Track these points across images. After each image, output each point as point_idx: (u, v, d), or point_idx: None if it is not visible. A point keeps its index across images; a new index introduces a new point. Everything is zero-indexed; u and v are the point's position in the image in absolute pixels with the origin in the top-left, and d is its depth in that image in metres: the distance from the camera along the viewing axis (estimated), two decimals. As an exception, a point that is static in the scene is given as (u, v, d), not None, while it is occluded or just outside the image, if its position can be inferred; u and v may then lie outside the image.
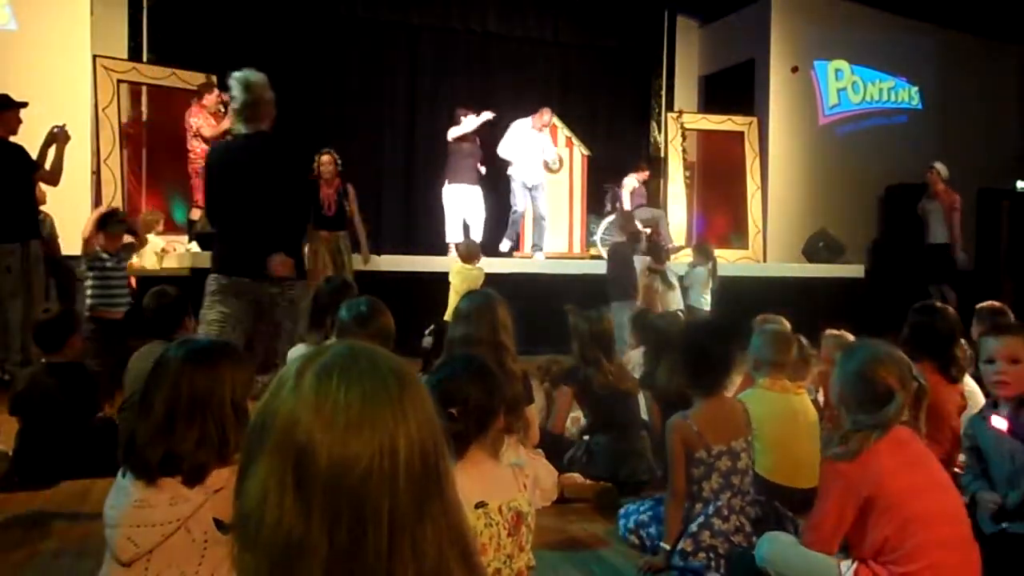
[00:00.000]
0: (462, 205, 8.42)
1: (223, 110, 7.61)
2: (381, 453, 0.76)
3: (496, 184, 8.95)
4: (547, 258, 8.71)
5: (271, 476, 0.75)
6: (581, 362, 3.60)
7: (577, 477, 3.34)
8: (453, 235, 8.40)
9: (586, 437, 3.65)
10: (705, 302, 7.21)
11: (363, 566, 0.75)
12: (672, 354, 3.16)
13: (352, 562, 0.74)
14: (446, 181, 8.52)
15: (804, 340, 3.49)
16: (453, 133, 8.37)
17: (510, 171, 8.74)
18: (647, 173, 9.70)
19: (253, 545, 0.75)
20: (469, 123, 8.37)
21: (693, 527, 2.47)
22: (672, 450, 2.53)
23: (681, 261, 8.23)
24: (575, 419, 3.90)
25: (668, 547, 2.49)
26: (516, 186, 8.69)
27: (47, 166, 5.29)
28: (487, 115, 8.39)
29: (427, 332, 5.70)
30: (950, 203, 8.57)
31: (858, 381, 2.13)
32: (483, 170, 8.63)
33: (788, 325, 3.86)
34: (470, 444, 1.89)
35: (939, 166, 8.70)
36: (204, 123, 7.60)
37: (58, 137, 5.26)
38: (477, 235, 8.36)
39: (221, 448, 1.74)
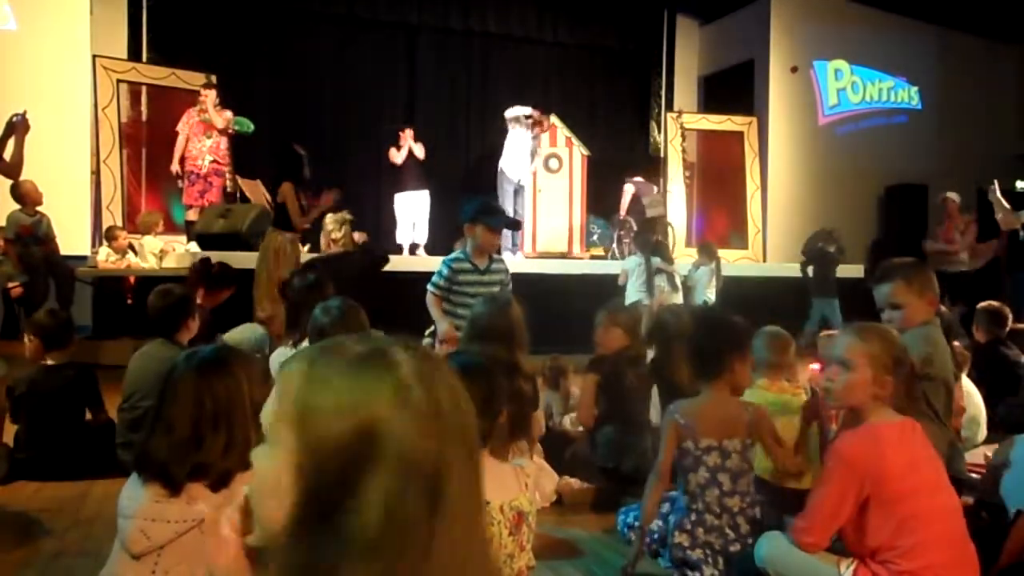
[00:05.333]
0: (410, 211, 8.96)
1: (208, 110, 7.67)
2: (469, 455, 0.79)
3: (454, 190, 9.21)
4: (527, 257, 8.73)
5: (391, 490, 0.74)
6: (615, 355, 3.56)
7: (575, 483, 3.35)
8: (403, 238, 8.89)
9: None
10: (710, 301, 7.22)
11: (470, 559, 0.78)
12: (680, 345, 3.16)
13: (460, 552, 0.77)
14: (396, 192, 9.05)
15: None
16: (397, 158, 8.94)
17: (500, 167, 8.78)
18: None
19: (377, 556, 0.73)
20: (403, 150, 8.93)
21: (687, 523, 2.48)
22: (664, 431, 2.54)
23: (684, 261, 8.23)
24: (574, 419, 3.91)
25: (643, 527, 2.49)
26: (507, 187, 8.72)
27: (7, 157, 4.74)
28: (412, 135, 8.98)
29: (427, 333, 5.68)
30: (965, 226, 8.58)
31: None
32: (421, 155, 8.97)
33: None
34: (482, 444, 1.90)
35: (952, 195, 8.67)
36: (183, 126, 7.70)
37: (17, 127, 4.68)
38: (423, 234, 8.86)
39: (245, 451, 1.74)
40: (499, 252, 4.41)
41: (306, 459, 0.75)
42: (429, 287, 4.11)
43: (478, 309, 3.23)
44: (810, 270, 7.86)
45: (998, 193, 6.49)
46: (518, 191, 8.80)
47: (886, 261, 2.96)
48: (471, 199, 4.56)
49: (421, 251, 8.77)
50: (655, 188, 9.30)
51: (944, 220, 8.65)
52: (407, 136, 8.94)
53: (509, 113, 8.92)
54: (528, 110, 8.86)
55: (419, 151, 8.93)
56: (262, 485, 0.79)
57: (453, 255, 4.17)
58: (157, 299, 3.63)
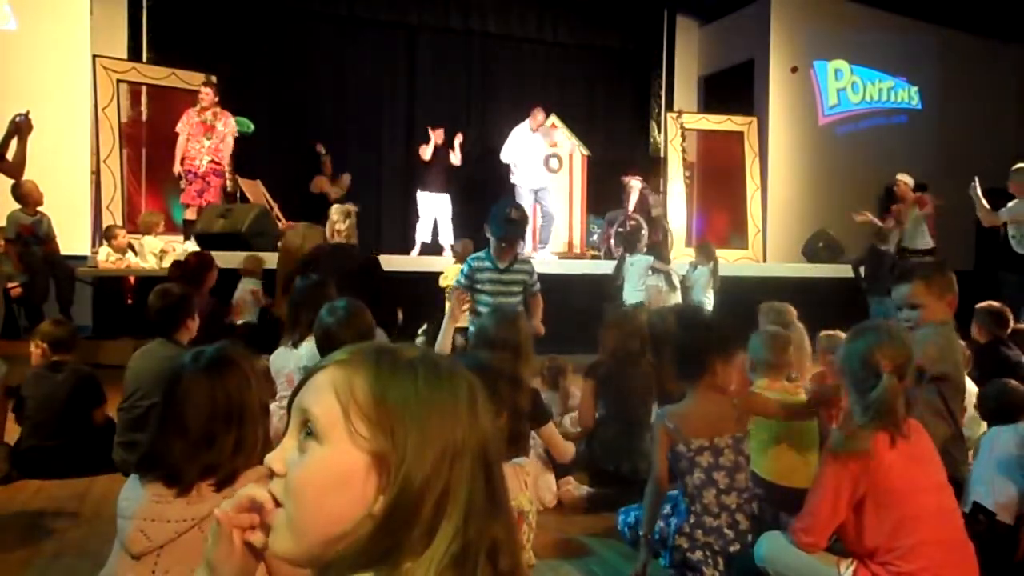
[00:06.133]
0: (432, 210, 8.95)
1: (208, 108, 7.68)
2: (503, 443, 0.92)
3: (470, 193, 9.26)
4: (552, 254, 8.74)
5: (472, 484, 0.81)
6: (611, 357, 3.61)
7: (574, 489, 3.35)
8: (422, 236, 8.89)
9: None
10: (708, 301, 7.20)
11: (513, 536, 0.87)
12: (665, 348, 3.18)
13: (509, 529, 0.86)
14: (418, 189, 9.01)
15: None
16: (425, 154, 8.94)
17: (513, 178, 8.80)
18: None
19: (458, 537, 0.79)
20: (434, 143, 8.93)
21: (686, 527, 2.48)
22: (655, 437, 2.55)
23: (682, 261, 8.23)
24: (573, 419, 3.92)
25: (647, 535, 2.49)
26: (523, 191, 8.74)
27: (9, 157, 4.66)
28: (443, 136, 9.00)
29: (420, 332, 5.66)
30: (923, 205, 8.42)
31: (856, 360, 2.14)
32: (457, 160, 9.00)
33: (794, 312, 3.90)
34: None
35: (903, 177, 8.55)
36: (183, 126, 7.71)
37: (21, 126, 4.61)
38: (447, 238, 8.77)
39: (253, 449, 1.75)
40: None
41: (394, 455, 0.79)
42: (454, 283, 4.40)
43: (485, 320, 3.26)
44: (862, 270, 7.77)
45: (979, 190, 6.41)
46: (538, 192, 8.80)
47: (906, 261, 2.99)
48: (500, 202, 4.64)
49: (449, 251, 8.72)
50: (647, 186, 9.39)
51: (909, 199, 8.44)
52: (437, 136, 8.98)
53: (513, 136, 8.90)
54: (528, 125, 8.85)
55: (456, 158, 9.01)
56: (323, 480, 0.80)
57: (475, 254, 4.34)
58: (156, 299, 3.64)
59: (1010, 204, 6.11)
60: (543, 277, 4.47)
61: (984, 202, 6.25)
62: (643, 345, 3.57)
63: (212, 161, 7.73)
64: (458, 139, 9.07)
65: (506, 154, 8.82)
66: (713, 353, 2.54)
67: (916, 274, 2.80)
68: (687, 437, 2.47)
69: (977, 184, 6.36)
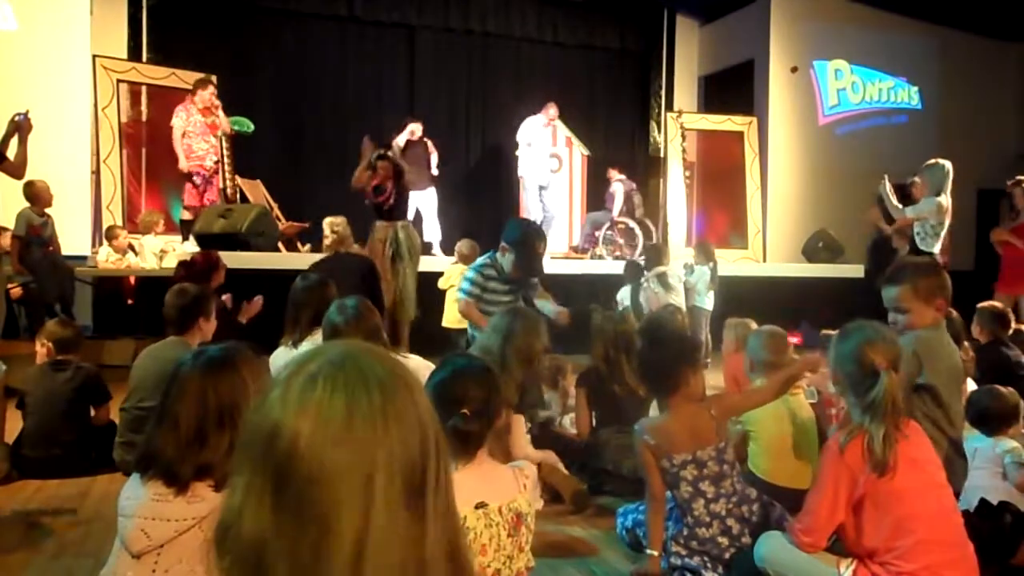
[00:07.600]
0: (416, 210, 8.66)
1: (213, 106, 7.62)
2: (358, 471, 0.73)
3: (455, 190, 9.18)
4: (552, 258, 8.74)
5: (252, 486, 0.74)
6: (602, 362, 3.65)
7: (552, 456, 3.36)
8: None
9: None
10: (709, 302, 7.16)
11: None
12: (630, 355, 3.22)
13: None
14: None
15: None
16: (399, 140, 8.64)
17: (521, 173, 8.79)
18: None
19: (229, 553, 0.75)
20: (403, 137, 8.69)
21: (681, 538, 2.47)
22: (640, 455, 2.53)
23: (681, 261, 8.21)
24: (573, 419, 3.93)
25: (655, 553, 2.48)
26: (531, 189, 8.73)
27: (10, 157, 4.67)
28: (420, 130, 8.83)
29: None
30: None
31: (850, 362, 2.14)
32: (435, 171, 8.84)
33: (755, 326, 3.89)
34: (481, 445, 1.90)
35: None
36: (183, 122, 7.54)
37: (21, 126, 4.66)
38: (434, 235, 8.64)
39: None
40: None
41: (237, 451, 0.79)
42: (460, 295, 4.31)
43: (498, 319, 3.28)
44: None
45: (888, 188, 6.29)
46: (544, 188, 8.83)
47: (900, 261, 2.92)
48: (521, 222, 4.66)
49: (437, 248, 8.63)
50: (633, 185, 9.36)
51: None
52: (413, 130, 8.82)
53: (528, 124, 8.90)
54: (542, 118, 8.85)
55: (434, 159, 8.87)
56: None
57: (481, 261, 4.33)
58: (172, 297, 3.64)
59: (918, 203, 6.09)
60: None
61: (894, 200, 6.20)
62: (631, 347, 3.59)
63: (217, 161, 7.70)
64: (419, 127, 8.89)
65: (521, 136, 8.86)
66: (682, 366, 2.54)
67: (905, 277, 2.73)
68: (670, 453, 2.46)
69: (887, 182, 6.29)
